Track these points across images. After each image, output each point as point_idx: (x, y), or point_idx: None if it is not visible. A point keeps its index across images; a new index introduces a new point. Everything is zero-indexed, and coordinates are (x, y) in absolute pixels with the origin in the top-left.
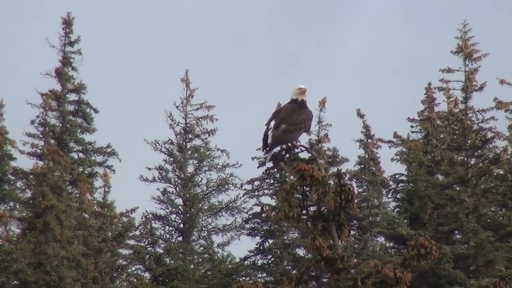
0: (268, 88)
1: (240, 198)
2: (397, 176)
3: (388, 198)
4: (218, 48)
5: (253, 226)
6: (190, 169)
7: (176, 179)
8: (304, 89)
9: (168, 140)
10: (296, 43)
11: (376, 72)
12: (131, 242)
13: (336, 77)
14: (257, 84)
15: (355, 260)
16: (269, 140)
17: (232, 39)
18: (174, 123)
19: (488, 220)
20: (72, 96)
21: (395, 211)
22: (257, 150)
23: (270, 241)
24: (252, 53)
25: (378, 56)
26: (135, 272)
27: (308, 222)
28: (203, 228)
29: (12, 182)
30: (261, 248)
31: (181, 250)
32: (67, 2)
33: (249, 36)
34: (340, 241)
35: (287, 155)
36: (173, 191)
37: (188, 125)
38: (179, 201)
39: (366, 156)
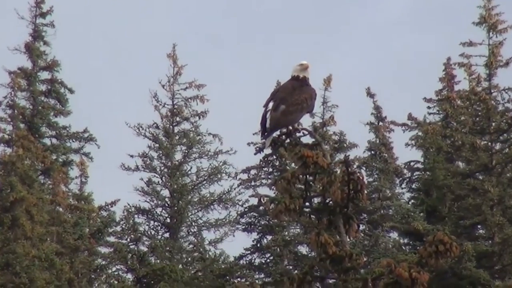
0: (266, 65)
1: (234, 189)
2: (412, 163)
3: (402, 188)
4: (207, 19)
5: (249, 220)
6: (178, 156)
7: (162, 168)
8: (306, 65)
9: (153, 124)
10: (299, 15)
11: (388, 46)
12: (111, 239)
13: (343, 52)
14: (254, 60)
15: (365, 259)
16: (267, 124)
17: (224, 10)
18: (160, 104)
19: None
20: (44, 75)
21: (410, 203)
22: (253, 134)
23: (269, 237)
24: (247, 23)
25: (391, 29)
26: (116, 273)
27: (311, 216)
28: (193, 223)
29: None
30: (258, 245)
31: (168, 248)
32: None
33: (243, 4)
34: (348, 237)
35: (288, 140)
36: (158, 182)
37: (176, 106)
38: (166, 192)
39: (377, 141)
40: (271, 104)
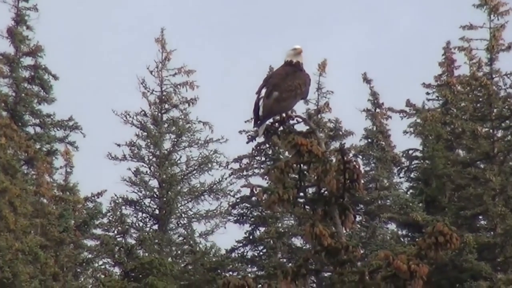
0: (258, 49)
1: (226, 179)
2: (410, 152)
3: (400, 177)
4: (198, 2)
5: (242, 212)
6: (167, 145)
7: (151, 157)
8: (300, 50)
9: (141, 111)
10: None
11: (385, 29)
12: (98, 231)
13: (338, 35)
14: (245, 44)
15: (362, 251)
16: (260, 111)
17: None
18: (148, 91)
19: None
20: (28, 60)
21: (408, 193)
22: (245, 122)
23: (262, 229)
24: (239, 7)
25: (389, 10)
26: (102, 267)
27: (306, 207)
28: (183, 215)
29: None
30: (251, 237)
31: (156, 241)
32: None
33: None
34: (344, 228)
35: (281, 128)
36: (147, 171)
37: (164, 93)
38: (154, 183)
39: (374, 129)
40: (263, 91)
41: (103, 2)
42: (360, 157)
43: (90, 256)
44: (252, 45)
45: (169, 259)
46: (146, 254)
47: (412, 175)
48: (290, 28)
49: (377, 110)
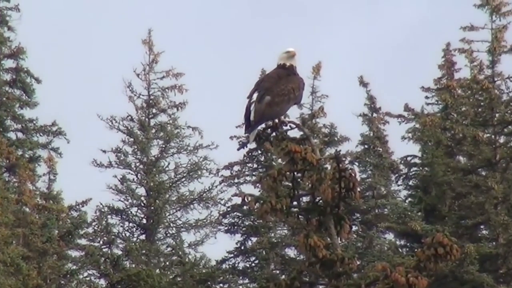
0: (250, 51)
1: (216, 186)
2: (409, 158)
3: (398, 185)
4: (188, 2)
5: (233, 221)
6: (155, 151)
7: (138, 164)
8: (293, 53)
9: (127, 116)
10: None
11: (383, 30)
12: (83, 242)
13: (333, 37)
14: (236, 46)
15: (358, 262)
16: (252, 116)
17: None
18: (135, 95)
19: None
20: (9, 63)
21: (406, 201)
22: (236, 127)
23: (254, 239)
24: (230, 6)
25: (387, 11)
26: (87, 278)
27: (300, 216)
28: (171, 224)
29: None
30: (242, 248)
31: (144, 252)
32: None
33: None
34: (339, 239)
35: (274, 134)
36: (133, 179)
37: (152, 97)
38: (141, 191)
39: (371, 134)
40: (255, 95)
41: (88, 2)
42: (356, 164)
43: (74, 267)
44: (244, 46)
45: (157, 271)
46: (133, 266)
47: (410, 183)
48: (284, 29)
49: (374, 115)
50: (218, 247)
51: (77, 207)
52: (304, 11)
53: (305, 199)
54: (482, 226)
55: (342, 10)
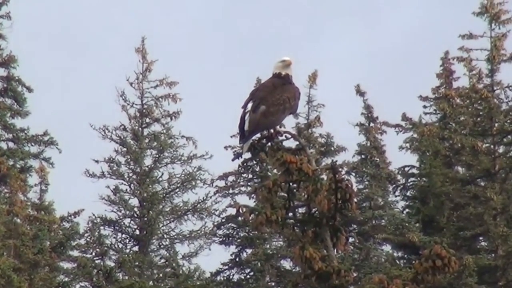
0: (246, 60)
1: (210, 197)
2: (406, 168)
3: (396, 196)
4: (180, 8)
5: (227, 232)
6: (148, 161)
7: (131, 174)
8: (289, 61)
9: (120, 126)
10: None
11: (380, 39)
12: (75, 253)
13: (331, 44)
14: (231, 54)
15: (355, 275)
16: (246, 126)
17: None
18: (128, 104)
19: None
20: (0, 71)
21: (404, 212)
22: (231, 137)
23: (249, 251)
24: (225, 14)
25: (384, 18)
26: None
27: (295, 227)
28: (165, 235)
29: None
30: (237, 260)
31: (137, 263)
32: None
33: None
34: (335, 250)
35: (269, 144)
36: (126, 189)
37: (145, 106)
38: (135, 201)
39: (368, 144)
40: (250, 105)
41: (79, 10)
42: (353, 174)
43: (66, 279)
44: (239, 55)
45: (150, 283)
46: (126, 278)
47: (408, 194)
48: (280, 38)
49: (371, 124)
50: (213, 258)
51: (69, 218)
52: (300, 20)
53: (300, 210)
54: (481, 238)
55: (339, 18)
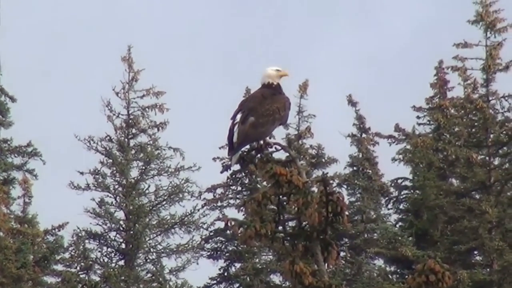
0: (235, 69)
1: (198, 210)
2: (399, 181)
3: (389, 209)
4: (169, 18)
5: (215, 246)
6: (134, 173)
7: (116, 186)
8: (279, 71)
9: (106, 137)
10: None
11: (372, 48)
12: (59, 267)
13: (320, 56)
14: (220, 63)
15: None
16: (235, 138)
17: (190, 7)
18: (114, 114)
19: None
20: None
21: (397, 225)
22: (220, 148)
23: (237, 265)
24: (214, 21)
25: (376, 28)
26: None
27: (285, 241)
28: (151, 249)
29: None
30: (225, 274)
31: (123, 278)
32: None
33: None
34: (326, 265)
35: (258, 156)
36: (112, 202)
37: (131, 116)
38: (120, 214)
39: (360, 156)
40: (239, 116)
41: (64, 18)
42: (345, 186)
43: None
44: (228, 64)
45: None
46: None
47: (401, 207)
48: (270, 47)
49: (363, 135)
50: (201, 273)
51: (53, 231)
52: (290, 30)
53: (291, 223)
54: (475, 252)
55: (331, 27)
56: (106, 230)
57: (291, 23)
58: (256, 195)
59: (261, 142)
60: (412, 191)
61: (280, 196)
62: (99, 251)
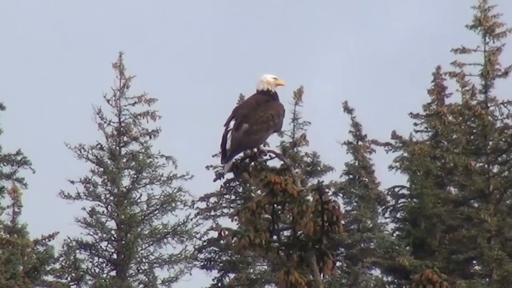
0: (228, 75)
1: (191, 219)
2: (396, 189)
3: (386, 218)
4: (159, 20)
5: (209, 256)
6: (126, 182)
7: (108, 196)
8: (273, 78)
9: (97, 145)
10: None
11: (368, 54)
12: (49, 278)
13: (316, 62)
14: (214, 70)
15: None
16: (228, 145)
17: (184, 11)
18: (105, 122)
19: None
20: None
21: (394, 235)
22: (213, 156)
23: (231, 275)
24: (206, 25)
25: (372, 34)
26: None
27: (280, 251)
28: (143, 260)
29: None
30: (219, 285)
31: None
32: None
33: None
34: (322, 275)
35: (252, 164)
36: (103, 211)
37: (123, 124)
38: (112, 224)
39: (356, 164)
40: (232, 123)
41: (54, 23)
42: (341, 195)
43: None
44: (222, 70)
45: None
46: None
47: (398, 215)
48: (264, 54)
49: (360, 142)
50: (194, 284)
51: (44, 241)
52: (284, 37)
53: (285, 233)
54: (474, 262)
55: (327, 33)
56: (98, 240)
57: (286, 29)
58: (250, 204)
59: (255, 149)
60: (409, 199)
61: (275, 205)
62: (90, 262)
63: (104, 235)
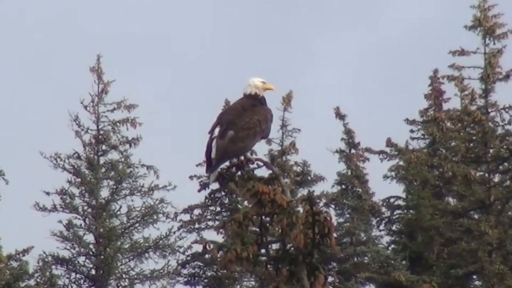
0: (213, 79)
1: (174, 233)
2: (392, 200)
3: (380, 230)
4: (140, 25)
5: (193, 271)
6: (105, 193)
7: (85, 208)
8: (261, 82)
9: (74, 154)
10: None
11: (362, 57)
12: None
13: (307, 67)
14: (197, 74)
15: None
16: (213, 154)
17: (167, 10)
18: (82, 130)
19: None
20: None
21: (389, 248)
22: (197, 166)
23: None
24: (191, 25)
25: (368, 37)
26: None
27: (268, 265)
28: (123, 275)
29: None
30: None
31: None
32: None
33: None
34: None
35: (239, 173)
36: (81, 224)
37: (101, 132)
38: (90, 237)
39: (349, 173)
40: (217, 130)
41: (29, 25)
42: (333, 206)
43: None
44: (206, 73)
45: None
46: None
47: (394, 228)
48: (253, 56)
49: (352, 151)
50: None
51: (17, 256)
52: (275, 41)
53: (274, 246)
54: (474, 276)
55: (318, 37)
56: (75, 255)
57: (277, 33)
58: (236, 215)
59: (242, 158)
60: (405, 211)
61: (263, 217)
62: (67, 278)
63: (82, 250)
